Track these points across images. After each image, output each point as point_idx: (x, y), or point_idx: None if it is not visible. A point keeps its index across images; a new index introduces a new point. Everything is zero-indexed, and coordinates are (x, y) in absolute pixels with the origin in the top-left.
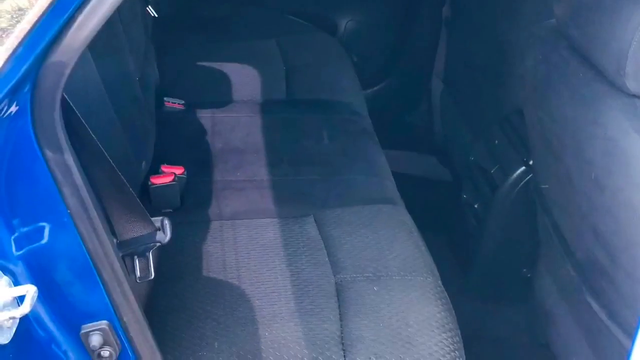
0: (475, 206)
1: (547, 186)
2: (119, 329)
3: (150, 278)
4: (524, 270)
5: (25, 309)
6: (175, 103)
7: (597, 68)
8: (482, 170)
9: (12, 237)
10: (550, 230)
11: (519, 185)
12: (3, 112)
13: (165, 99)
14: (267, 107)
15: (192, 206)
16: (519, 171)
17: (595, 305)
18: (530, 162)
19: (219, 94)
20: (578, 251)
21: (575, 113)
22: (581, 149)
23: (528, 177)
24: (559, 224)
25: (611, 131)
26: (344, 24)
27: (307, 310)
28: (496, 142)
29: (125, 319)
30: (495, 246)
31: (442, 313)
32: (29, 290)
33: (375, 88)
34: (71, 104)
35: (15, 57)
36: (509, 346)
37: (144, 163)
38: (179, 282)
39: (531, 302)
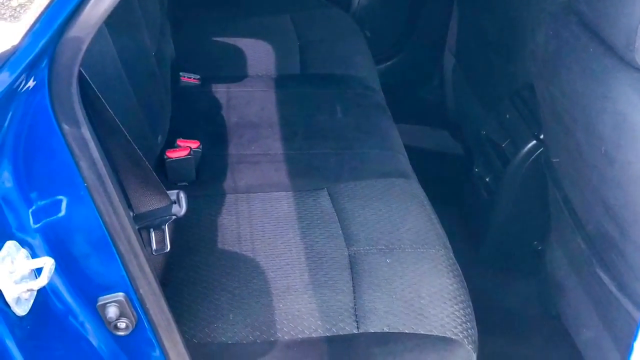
0: (487, 179)
1: (557, 160)
2: (135, 300)
3: (166, 251)
4: (535, 243)
5: (42, 281)
6: (190, 78)
7: (607, 43)
8: (494, 144)
9: (30, 210)
10: (560, 203)
11: (530, 159)
12: (21, 87)
13: (181, 73)
14: (282, 82)
15: (207, 180)
16: (529, 145)
17: (605, 278)
18: (541, 136)
19: (234, 68)
20: (588, 224)
21: (586, 88)
22: (591, 123)
23: (539, 151)
24: (570, 198)
25: (621, 105)
26: None
27: (320, 283)
28: (507, 116)
29: (141, 290)
30: (506, 219)
31: (454, 285)
32: (47, 263)
33: (388, 63)
34: (88, 78)
35: (33, 32)
36: (520, 318)
37: (159, 137)
38: (195, 254)
39: (542, 274)
